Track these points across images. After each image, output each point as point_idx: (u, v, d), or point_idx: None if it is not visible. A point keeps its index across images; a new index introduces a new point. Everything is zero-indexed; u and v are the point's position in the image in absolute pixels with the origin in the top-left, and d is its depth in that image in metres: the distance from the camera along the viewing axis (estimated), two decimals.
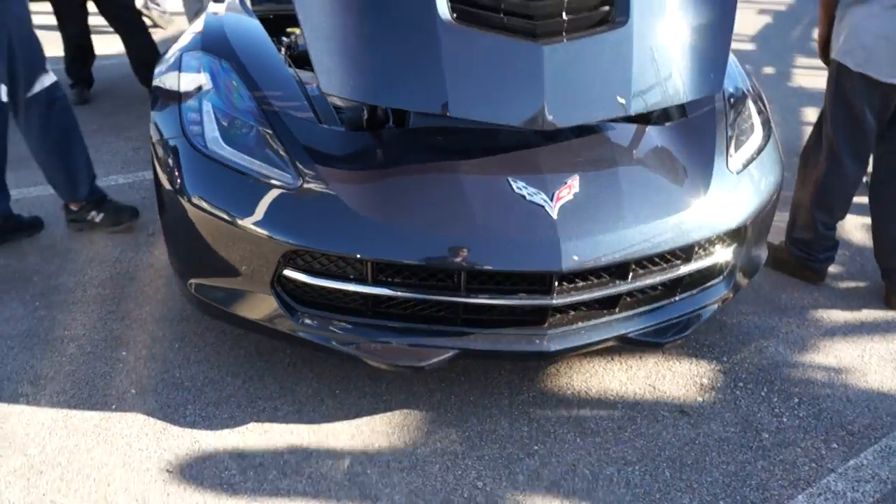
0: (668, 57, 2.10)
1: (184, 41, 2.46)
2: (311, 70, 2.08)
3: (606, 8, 2.08)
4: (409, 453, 2.03)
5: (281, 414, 2.14)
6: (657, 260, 2.08)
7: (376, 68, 1.91)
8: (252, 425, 2.09)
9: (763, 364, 2.46)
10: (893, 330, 2.68)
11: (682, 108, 2.38)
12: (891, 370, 2.48)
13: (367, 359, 1.97)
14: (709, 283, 2.26)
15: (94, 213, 2.96)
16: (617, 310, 2.11)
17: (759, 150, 2.32)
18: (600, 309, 2.10)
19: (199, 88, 2.11)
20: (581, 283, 2.00)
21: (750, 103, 2.43)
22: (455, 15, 1.99)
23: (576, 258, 1.88)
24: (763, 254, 2.46)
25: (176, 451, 1.99)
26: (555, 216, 1.92)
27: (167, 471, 1.93)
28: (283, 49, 2.73)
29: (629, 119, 2.32)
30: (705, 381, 2.38)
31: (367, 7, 1.93)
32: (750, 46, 6.51)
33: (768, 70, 5.80)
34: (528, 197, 1.94)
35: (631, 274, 2.04)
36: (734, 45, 3.82)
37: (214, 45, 2.25)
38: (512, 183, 1.96)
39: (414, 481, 1.95)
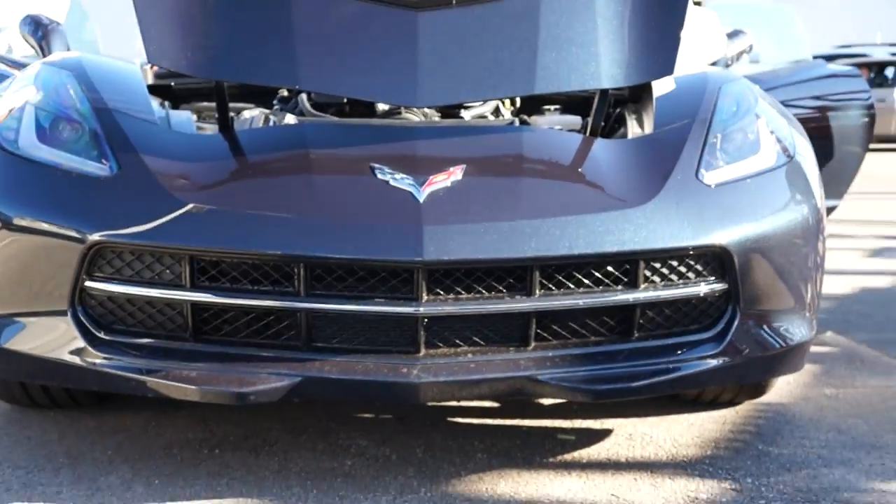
0: (591, 33, 2.44)
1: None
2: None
3: None
4: None
5: (59, 494, 2.26)
6: (579, 276, 2.21)
7: (218, 40, 2.35)
8: None
9: (810, 488, 2.35)
10: None
11: (648, 122, 2.65)
12: None
13: (173, 390, 2.13)
14: (680, 338, 2.31)
15: None
16: (530, 345, 2.20)
17: (762, 173, 2.50)
18: (505, 344, 2.21)
19: (27, 95, 2.61)
20: (464, 294, 2.15)
21: (760, 123, 2.65)
22: None
23: (442, 246, 2.07)
24: (796, 330, 2.48)
25: None
26: (421, 199, 2.15)
27: None
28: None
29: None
30: (703, 496, 2.30)
31: None
32: None
33: None
34: (391, 182, 2.20)
35: (538, 289, 2.17)
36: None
37: (60, 62, 2.76)
38: (375, 169, 2.25)
39: None
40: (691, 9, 3.81)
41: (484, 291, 2.14)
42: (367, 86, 2.32)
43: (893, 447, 2.65)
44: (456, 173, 2.22)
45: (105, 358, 2.20)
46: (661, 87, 2.75)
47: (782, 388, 3.04)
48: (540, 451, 2.54)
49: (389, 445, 2.53)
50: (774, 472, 2.46)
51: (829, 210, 4.34)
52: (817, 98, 4.31)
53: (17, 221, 2.28)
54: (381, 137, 2.38)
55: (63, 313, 2.22)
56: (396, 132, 2.42)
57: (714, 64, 3.81)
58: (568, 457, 2.52)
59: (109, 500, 2.24)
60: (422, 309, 2.09)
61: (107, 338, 2.22)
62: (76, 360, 2.22)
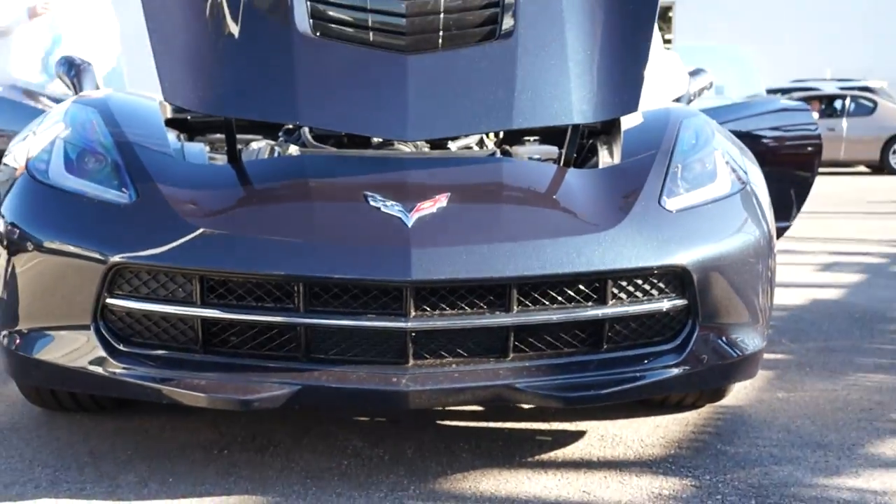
0: (563, 73, 2.42)
1: None
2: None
3: (490, 27, 2.49)
4: None
5: (83, 491, 2.23)
6: (553, 293, 2.19)
7: (225, 80, 2.34)
8: (46, 500, 2.19)
9: (762, 483, 2.32)
10: None
11: (617, 152, 2.63)
12: None
13: (184, 397, 2.10)
14: (646, 349, 2.29)
15: None
16: (509, 356, 2.18)
17: (718, 200, 2.48)
18: (486, 355, 2.19)
19: (56, 130, 2.59)
20: (448, 310, 2.13)
21: (717, 154, 2.62)
22: (318, 33, 2.42)
23: (429, 267, 2.06)
24: (750, 341, 2.45)
25: None
26: (410, 224, 2.13)
27: None
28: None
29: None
30: (665, 492, 2.26)
31: (219, 18, 2.41)
32: None
33: None
34: (382, 209, 2.17)
35: (516, 305, 2.15)
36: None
37: (85, 99, 2.75)
38: (368, 197, 2.22)
39: None
40: (655, 51, 3.81)
41: (466, 307, 2.12)
42: (361, 121, 2.31)
43: (836, 446, 2.62)
44: (441, 200, 2.20)
45: (124, 368, 2.18)
46: (629, 120, 2.74)
47: (739, 392, 3.00)
48: (520, 452, 2.50)
49: (383, 447, 2.49)
50: (730, 470, 2.42)
51: (781, 231, 4.33)
52: (771, 129, 4.29)
53: (47, 244, 2.26)
54: (373, 168, 2.36)
55: (87, 327, 2.20)
56: (388, 163, 2.40)
57: (677, 100, 3.80)
58: (545, 456, 2.48)
59: (128, 497, 2.20)
60: (410, 324, 2.07)
61: (125, 349, 2.20)
62: (98, 369, 2.20)
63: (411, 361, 2.11)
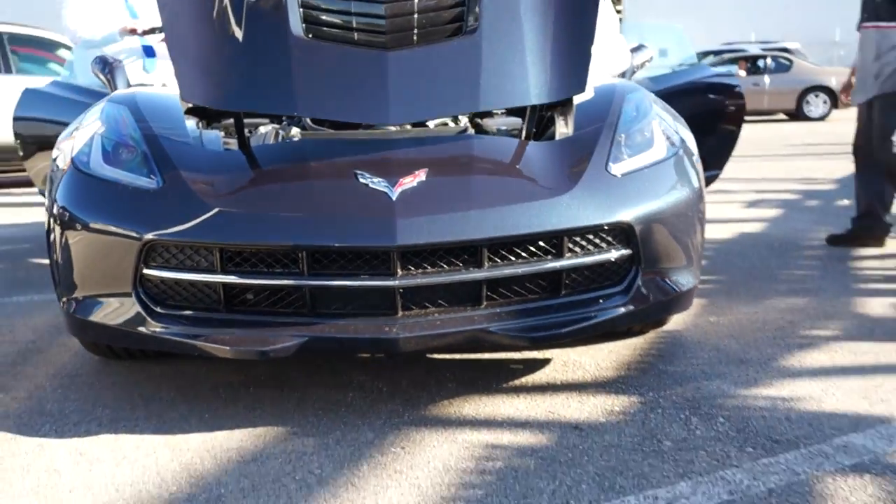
0: (521, 62, 2.38)
1: None
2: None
3: (457, 24, 2.43)
4: (258, 452, 2.06)
5: (136, 427, 2.26)
6: (517, 250, 2.17)
7: (232, 79, 2.30)
8: (105, 436, 2.20)
9: (695, 397, 2.35)
10: (875, 372, 2.51)
11: (570, 123, 2.59)
12: (858, 399, 2.30)
13: (212, 349, 2.10)
14: (598, 292, 2.28)
15: None
16: (483, 304, 2.16)
17: (656, 163, 2.45)
18: (463, 304, 2.17)
19: (93, 128, 2.54)
20: (429, 268, 2.11)
21: (654, 124, 2.58)
22: (310, 35, 2.38)
23: (412, 233, 2.03)
24: (684, 280, 2.45)
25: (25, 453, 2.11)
26: (394, 198, 2.11)
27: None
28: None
29: (510, 133, 2.55)
30: (616, 408, 2.30)
31: (224, 25, 2.37)
32: None
33: None
34: (371, 185, 2.16)
35: (487, 262, 2.13)
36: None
37: (117, 98, 2.71)
38: (358, 175, 2.19)
39: (251, 469, 1.97)
40: (603, 34, 3.72)
41: (445, 265, 2.13)
42: (350, 109, 2.28)
43: (755, 361, 2.65)
44: (420, 175, 2.18)
45: (162, 327, 2.19)
46: (581, 95, 2.69)
47: (678, 319, 3.02)
48: (496, 379, 2.53)
49: (382, 380, 2.52)
50: (670, 387, 2.45)
51: (714, 178, 4.31)
52: (702, 92, 4.25)
53: (92, 225, 2.27)
54: (362, 148, 2.34)
55: (129, 294, 2.21)
56: (375, 143, 2.36)
57: (622, 75, 3.74)
58: (517, 382, 2.51)
59: (173, 432, 2.23)
60: (397, 282, 2.08)
61: (162, 311, 2.21)
62: (141, 328, 2.22)
63: (400, 313, 2.12)
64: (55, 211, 2.35)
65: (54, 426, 2.28)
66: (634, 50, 3.96)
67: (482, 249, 2.12)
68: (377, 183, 2.15)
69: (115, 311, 2.24)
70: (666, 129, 2.61)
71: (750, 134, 12.68)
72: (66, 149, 2.51)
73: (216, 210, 2.13)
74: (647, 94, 2.76)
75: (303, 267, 2.09)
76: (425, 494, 1.83)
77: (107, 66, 3.62)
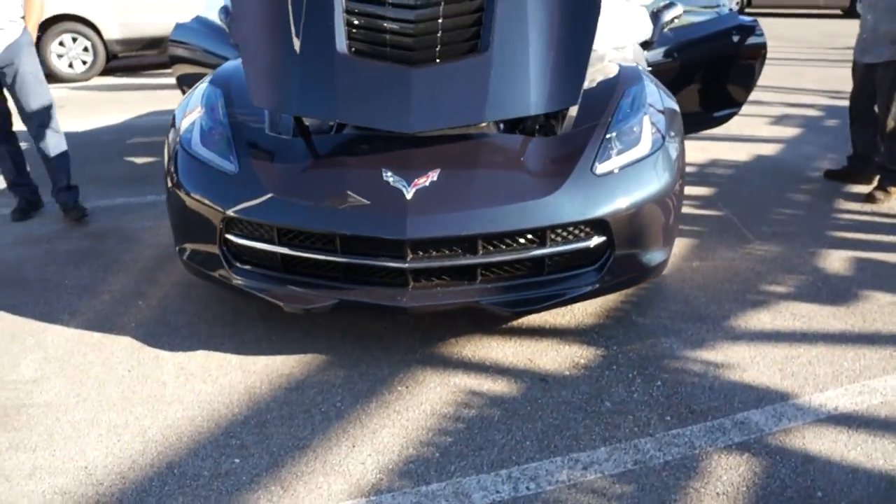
0: (524, 78, 2.29)
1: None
2: None
3: (474, 42, 2.34)
4: (301, 380, 2.28)
5: (222, 345, 2.49)
6: (508, 240, 2.20)
7: (289, 88, 2.32)
8: (200, 351, 2.47)
9: (647, 355, 2.38)
10: (801, 340, 2.46)
11: (569, 121, 2.50)
12: (774, 371, 2.29)
13: (273, 300, 2.28)
14: (575, 271, 2.29)
15: None
16: (477, 281, 2.24)
17: (639, 160, 2.35)
18: (461, 280, 2.25)
19: (197, 112, 2.62)
20: (434, 253, 2.18)
21: (645, 119, 2.46)
22: (353, 49, 2.36)
23: (420, 229, 2.09)
24: (654, 257, 2.42)
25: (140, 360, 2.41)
26: (409, 197, 2.15)
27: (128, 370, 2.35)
28: None
29: (512, 131, 2.49)
30: (582, 361, 2.36)
31: (284, 43, 2.36)
32: None
33: None
34: (391, 183, 2.19)
35: (482, 250, 2.18)
36: None
37: (217, 79, 2.76)
38: (384, 173, 2.23)
39: (293, 398, 2.20)
40: (624, 6, 3.41)
41: (447, 252, 2.18)
42: (378, 117, 2.28)
43: (711, 318, 2.59)
44: (432, 176, 2.20)
45: (238, 277, 2.35)
46: (586, 85, 2.56)
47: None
48: (496, 324, 2.55)
49: (405, 325, 2.60)
50: (632, 341, 2.45)
51: (732, 115, 4.04)
52: (728, 38, 3.93)
53: (193, 195, 2.39)
54: (391, 145, 2.34)
55: (216, 252, 2.36)
56: (401, 140, 2.36)
57: (644, 43, 3.47)
58: (507, 330, 2.54)
59: (246, 352, 2.43)
60: (408, 264, 2.16)
61: (239, 266, 2.36)
62: (224, 276, 2.38)
63: (411, 285, 2.20)
64: (169, 181, 2.50)
65: (169, 339, 2.55)
66: (665, 7, 3.64)
67: (478, 241, 2.16)
68: (397, 182, 2.19)
69: (208, 260, 2.42)
70: (656, 122, 2.48)
71: (799, 32, 11.36)
72: (182, 126, 2.60)
73: (270, 195, 2.22)
74: (645, 87, 2.58)
75: (337, 247, 2.20)
76: (409, 437, 2.01)
77: (228, 15, 3.73)
